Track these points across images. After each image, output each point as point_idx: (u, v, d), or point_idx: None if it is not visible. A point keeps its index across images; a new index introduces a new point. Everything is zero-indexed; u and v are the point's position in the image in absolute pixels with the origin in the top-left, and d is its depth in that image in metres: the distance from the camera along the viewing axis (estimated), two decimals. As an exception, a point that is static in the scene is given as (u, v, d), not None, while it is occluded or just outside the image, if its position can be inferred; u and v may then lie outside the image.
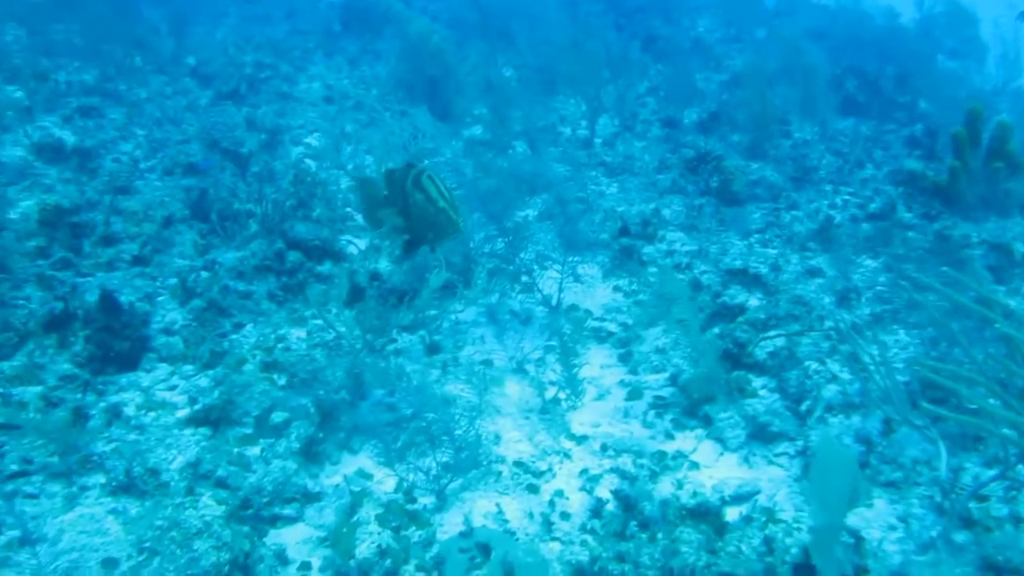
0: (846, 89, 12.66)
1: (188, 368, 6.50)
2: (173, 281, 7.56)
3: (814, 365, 5.93)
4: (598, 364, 6.75)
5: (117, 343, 6.47)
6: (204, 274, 7.71)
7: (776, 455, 5.59)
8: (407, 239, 4.25)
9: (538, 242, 8.10)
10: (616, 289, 7.69)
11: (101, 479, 4.98)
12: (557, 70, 13.49)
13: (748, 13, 17.90)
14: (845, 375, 5.90)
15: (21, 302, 6.99)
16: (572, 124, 12.37)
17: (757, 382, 6.18)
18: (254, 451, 5.44)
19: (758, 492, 5.29)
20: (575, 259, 7.65)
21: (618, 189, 9.64)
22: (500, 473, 5.37)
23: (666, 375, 6.44)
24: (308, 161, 10.77)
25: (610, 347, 6.95)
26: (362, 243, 8.67)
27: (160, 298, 7.45)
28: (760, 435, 5.70)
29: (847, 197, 8.73)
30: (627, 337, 6.95)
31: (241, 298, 7.41)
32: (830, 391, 5.79)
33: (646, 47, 15.31)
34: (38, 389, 5.93)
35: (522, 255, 7.71)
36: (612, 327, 7.16)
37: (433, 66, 12.85)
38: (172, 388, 6.26)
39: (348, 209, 9.39)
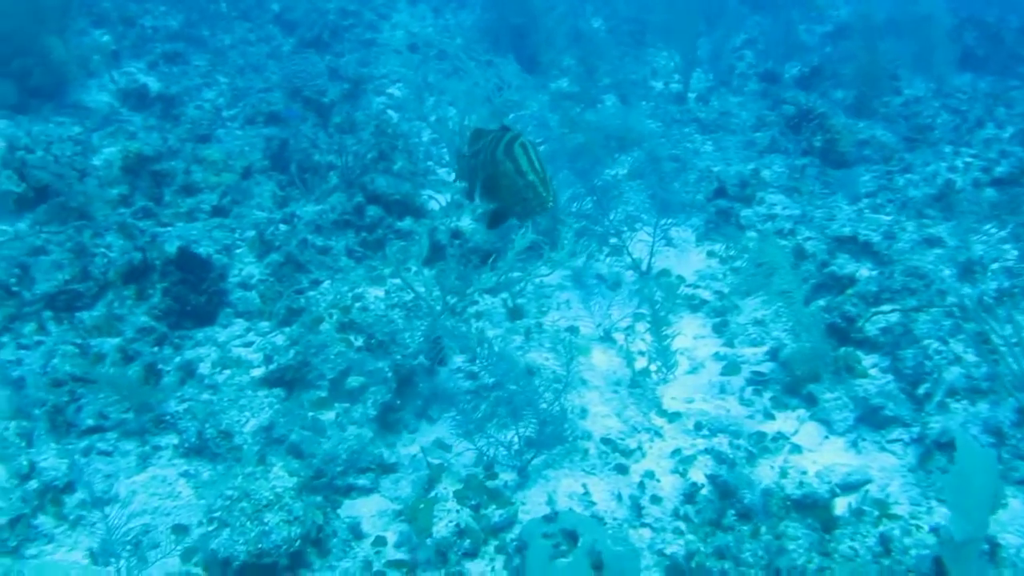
0: (964, 42, 11.71)
1: (264, 325, 6.32)
2: (251, 233, 7.37)
3: (934, 344, 5.39)
4: (691, 334, 6.32)
5: (194, 297, 6.33)
6: (283, 227, 7.52)
7: (889, 441, 5.11)
8: (493, 208, 3.77)
9: (628, 202, 7.66)
10: (711, 254, 7.20)
11: (174, 440, 4.82)
12: (649, 21, 12.86)
13: (855, -40, 16.81)
14: (970, 357, 5.36)
15: (102, 250, 6.90)
16: (664, 77, 11.77)
17: (867, 360, 5.68)
18: (329, 416, 5.22)
19: (868, 481, 4.84)
20: (667, 221, 7.19)
21: (713, 147, 9.09)
22: (586, 451, 5.03)
23: (765, 349, 5.98)
24: (391, 112, 10.47)
25: (704, 316, 6.51)
26: (444, 198, 8.35)
27: (238, 251, 7.29)
28: (871, 419, 5.23)
29: (969, 159, 8.02)
30: (722, 306, 6.49)
31: (319, 253, 7.19)
32: (952, 374, 5.26)
33: (744, -4, 14.47)
34: (116, 341, 5.81)
35: (611, 216, 7.29)
36: (706, 295, 6.70)
37: (519, 14, 12.36)
38: (248, 345, 6.09)
39: (430, 163, 9.08)
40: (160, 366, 5.44)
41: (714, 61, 11.75)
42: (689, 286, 6.87)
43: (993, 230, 7.13)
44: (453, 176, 8.78)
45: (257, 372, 5.67)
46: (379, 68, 12.01)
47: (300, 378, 5.49)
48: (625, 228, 7.40)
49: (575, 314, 6.49)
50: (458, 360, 5.80)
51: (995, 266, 6.41)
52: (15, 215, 7.20)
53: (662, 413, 5.42)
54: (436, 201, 8.27)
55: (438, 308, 5.87)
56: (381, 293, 6.55)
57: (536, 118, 9.90)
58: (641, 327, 6.27)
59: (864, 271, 6.25)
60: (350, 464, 4.82)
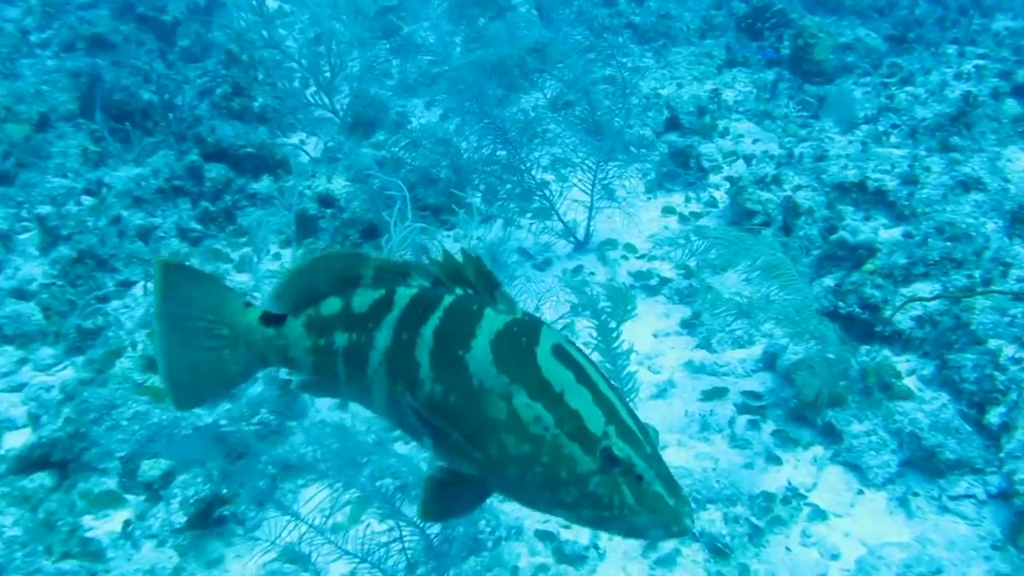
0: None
1: (48, 353, 4.41)
2: (47, 209, 5.34)
3: (1006, 349, 3.76)
4: (650, 330, 4.60)
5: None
6: (87, 201, 5.50)
7: (954, 498, 3.52)
8: (452, 474, 1.58)
9: (553, 142, 5.78)
10: (668, 211, 5.45)
11: None
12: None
13: None
14: None
15: None
16: (588, -26, 9.74)
17: (901, 365, 4.04)
18: (113, 523, 3.37)
19: (939, 573, 3.25)
20: (607, 167, 5.35)
21: (657, 62, 7.21)
22: (516, 562, 3.29)
23: (756, 352, 4.32)
24: (263, 32, 8.21)
25: (666, 302, 4.79)
26: (316, 144, 6.38)
27: (23, 236, 5.28)
28: (923, 463, 3.62)
29: (979, 62, 6.32)
30: (690, 288, 4.77)
31: (139, 237, 5.22)
32: (1038, 394, 3.65)
33: None
34: None
35: (532, 164, 5.43)
36: (666, 270, 4.97)
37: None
38: (16, 389, 4.18)
39: (295, 99, 6.99)
40: None
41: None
42: (642, 257, 5.12)
43: (1020, 152, 5.54)
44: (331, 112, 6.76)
45: (18, 440, 3.78)
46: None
47: (76, 457, 3.61)
48: (552, 179, 5.58)
49: (491, 309, 4.67)
50: (325, 404, 3.97)
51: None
52: None
53: (623, 473, 3.70)
54: (305, 152, 6.29)
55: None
56: (215, 299, 4.63)
57: (432, 33, 7.86)
58: (584, 324, 4.50)
59: (883, 232, 4.56)
60: (138, 621, 3.01)
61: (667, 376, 4.26)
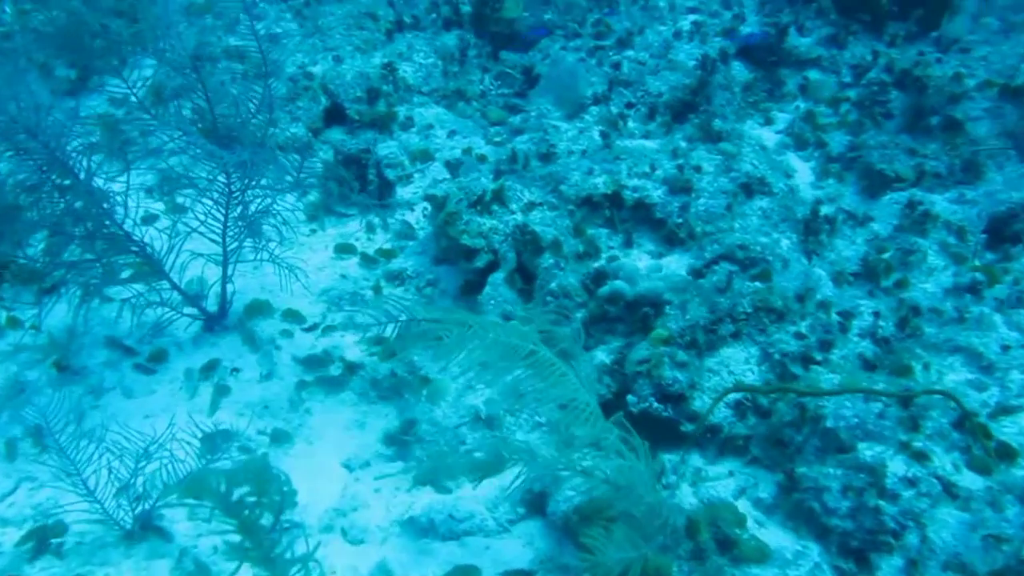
0: None
1: None
2: None
3: (891, 462, 2.46)
4: (338, 457, 2.86)
5: None
6: None
7: None
8: None
9: (157, 156, 3.73)
10: (344, 250, 3.67)
11: None
12: None
13: None
14: (967, 478, 2.51)
15: None
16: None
17: (722, 483, 2.67)
18: None
19: None
20: (247, 191, 3.42)
21: (301, 26, 5.29)
22: None
23: (514, 493, 2.72)
24: None
25: (359, 403, 3.06)
26: None
27: None
28: (805, 673, 2.26)
29: (696, 18, 5.17)
30: (395, 379, 3.08)
31: None
32: (946, 533, 2.38)
33: None
34: None
35: (120, 195, 3.35)
36: (353, 347, 3.23)
37: None
38: None
39: None
40: None
41: None
42: (313, 330, 3.33)
43: (758, 128, 4.52)
44: None
45: None
46: None
47: None
48: (160, 212, 3.59)
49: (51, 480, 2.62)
50: None
51: (828, 208, 3.68)
52: None
53: None
54: None
55: None
56: None
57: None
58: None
59: (660, 266, 3.15)
60: None
61: (376, 552, 2.55)
